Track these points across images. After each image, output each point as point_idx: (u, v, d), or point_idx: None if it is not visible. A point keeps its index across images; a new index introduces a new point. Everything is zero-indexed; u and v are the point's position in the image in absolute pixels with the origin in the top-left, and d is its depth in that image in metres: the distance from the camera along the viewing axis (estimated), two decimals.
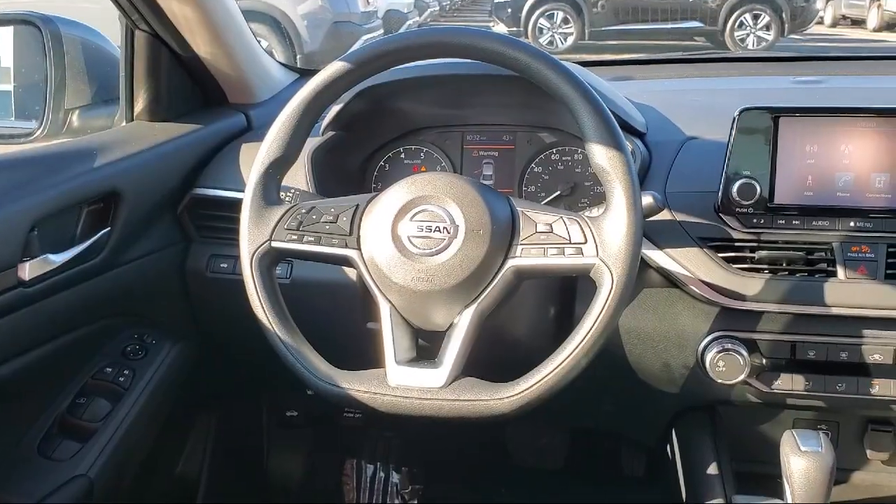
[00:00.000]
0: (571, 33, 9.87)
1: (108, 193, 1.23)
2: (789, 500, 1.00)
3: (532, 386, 0.94)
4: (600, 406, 1.40)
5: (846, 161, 1.09)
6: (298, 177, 1.25)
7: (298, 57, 6.70)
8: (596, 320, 0.93)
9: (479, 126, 1.38)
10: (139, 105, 1.42)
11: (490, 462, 2.00)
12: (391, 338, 0.98)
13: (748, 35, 9.65)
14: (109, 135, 1.38)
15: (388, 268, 0.97)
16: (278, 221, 1.01)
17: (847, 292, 1.09)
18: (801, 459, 0.97)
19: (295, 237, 1.01)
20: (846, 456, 1.31)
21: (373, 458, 1.97)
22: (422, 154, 1.39)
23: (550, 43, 9.80)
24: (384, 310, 0.99)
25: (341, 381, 0.98)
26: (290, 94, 1.06)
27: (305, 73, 1.71)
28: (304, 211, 1.01)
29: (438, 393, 0.95)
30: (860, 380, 1.14)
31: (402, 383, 0.96)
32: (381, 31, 7.83)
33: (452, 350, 0.96)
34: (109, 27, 1.51)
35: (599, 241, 0.94)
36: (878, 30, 13.46)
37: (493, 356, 1.02)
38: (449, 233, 0.97)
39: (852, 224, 1.10)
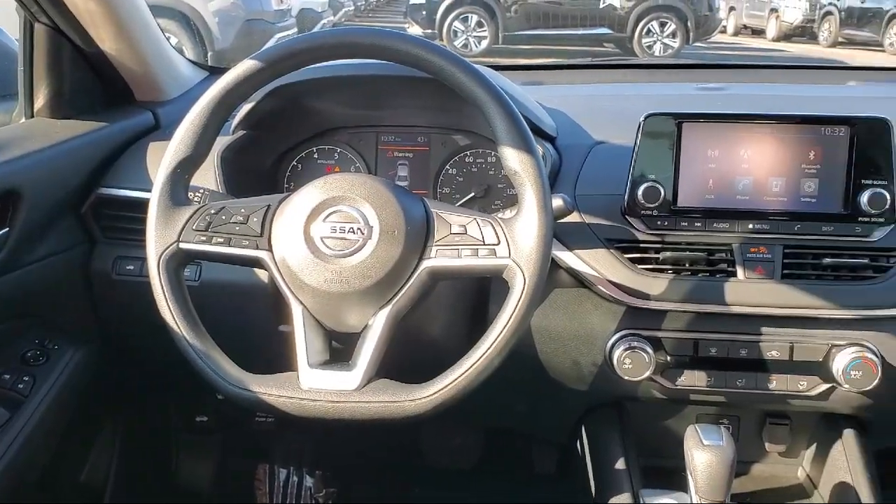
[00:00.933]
0: (485, 37, 9.96)
1: (5, 192, 1.17)
2: (693, 493, 1.04)
3: (446, 386, 0.94)
4: (513, 405, 1.42)
5: (745, 165, 1.14)
6: (208, 177, 1.22)
7: (209, 54, 6.54)
8: (508, 320, 0.94)
9: (394, 127, 1.38)
10: (39, 101, 1.36)
11: (404, 463, 2.00)
12: (304, 340, 0.97)
13: (655, 42, 9.94)
14: (7, 131, 1.32)
15: (300, 269, 0.96)
16: (186, 222, 0.99)
17: (746, 292, 1.14)
18: (703, 453, 1.01)
19: (204, 238, 0.99)
20: (746, 449, 1.36)
21: (286, 462, 1.95)
22: (336, 154, 1.38)
23: (465, 46, 9.86)
24: (296, 312, 0.98)
25: (252, 384, 0.96)
26: (199, 92, 1.03)
27: (216, 71, 1.68)
28: (213, 211, 0.99)
29: (352, 395, 0.95)
30: (759, 375, 1.19)
31: (315, 386, 0.95)
32: (295, 29, 7.72)
33: (366, 352, 0.96)
34: (5, 20, 1.44)
35: (512, 242, 0.95)
36: (777, 39, 14.09)
37: (408, 357, 1.02)
38: (363, 234, 0.96)
39: (751, 226, 1.14)
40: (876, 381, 1.13)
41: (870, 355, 1.12)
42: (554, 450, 1.88)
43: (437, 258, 0.97)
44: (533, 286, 0.94)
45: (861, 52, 12.83)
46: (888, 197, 1.10)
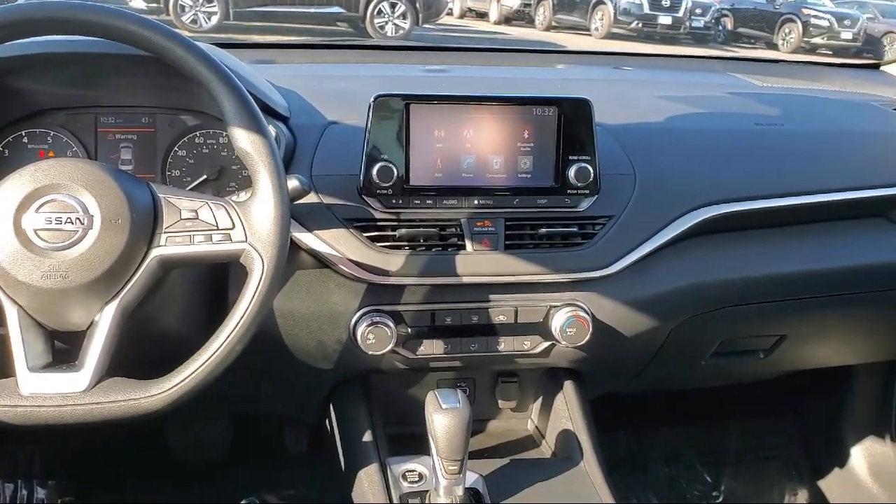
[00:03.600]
0: (215, 12, 9.56)
1: None
2: (434, 455, 1.10)
3: (185, 379, 0.91)
4: (259, 390, 1.41)
5: (469, 145, 1.21)
6: None
7: None
8: (248, 306, 0.93)
9: (115, 108, 1.29)
10: None
11: (149, 461, 1.91)
12: (21, 343, 0.89)
13: (387, 23, 10.13)
14: None
15: (11, 265, 0.88)
16: None
17: (474, 263, 1.21)
18: (442, 416, 1.06)
19: None
20: (482, 408, 1.46)
21: (12, 476, 1.77)
22: (49, 138, 1.27)
23: (194, 21, 9.39)
24: (10, 313, 0.90)
25: None
26: None
27: None
28: None
29: (81, 397, 0.89)
30: (489, 339, 1.28)
31: (38, 391, 0.88)
32: None
33: (94, 350, 0.90)
34: None
35: (248, 225, 0.94)
36: (499, 23, 14.98)
37: (143, 351, 0.97)
38: (82, 224, 0.90)
39: (476, 202, 1.22)
40: (588, 337, 1.25)
41: (582, 314, 1.25)
42: (304, 429, 1.89)
43: (168, 246, 0.93)
44: (272, 269, 0.94)
45: (572, 35, 14.01)
46: (591, 171, 1.23)
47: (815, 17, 15.45)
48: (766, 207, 1.37)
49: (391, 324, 1.20)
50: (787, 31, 15.53)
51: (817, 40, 15.40)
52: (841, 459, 2.12)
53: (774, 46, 15.33)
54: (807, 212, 1.42)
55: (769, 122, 1.56)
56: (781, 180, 1.40)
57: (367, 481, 1.23)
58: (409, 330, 1.24)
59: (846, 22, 15.62)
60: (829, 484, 2.15)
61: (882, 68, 2.05)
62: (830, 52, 14.98)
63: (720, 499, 2.17)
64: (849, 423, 2.10)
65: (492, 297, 1.25)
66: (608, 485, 1.26)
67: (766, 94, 1.80)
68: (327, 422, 1.40)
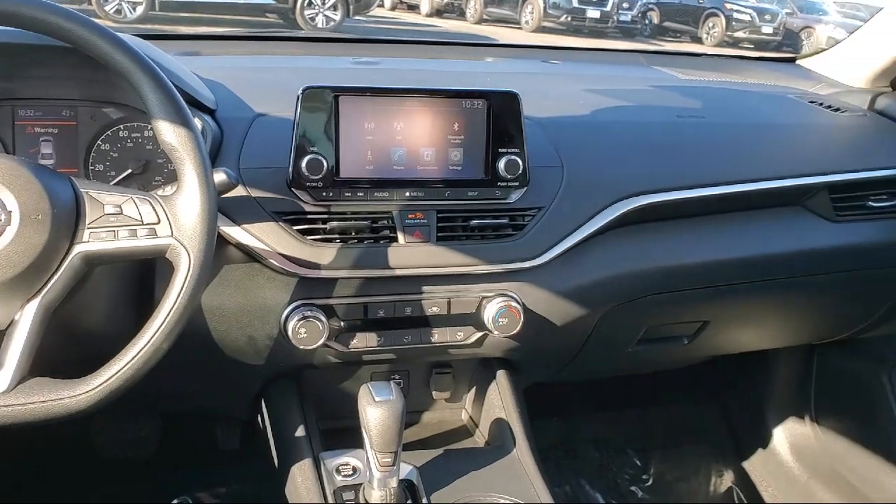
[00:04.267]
0: (141, 2, 9.30)
1: None
2: (368, 448, 1.10)
3: (111, 378, 0.90)
4: (189, 387, 1.38)
5: (399, 137, 1.21)
6: None
7: None
8: (175, 302, 0.92)
9: (34, 101, 1.25)
10: None
11: (78, 462, 1.86)
12: None
13: (317, 14, 10.02)
14: None
15: None
16: None
17: (407, 255, 1.22)
18: (375, 409, 1.06)
19: None
20: (416, 399, 1.47)
21: None
22: None
23: (118, 12, 9.12)
24: None
25: None
26: None
27: None
28: None
29: (2, 399, 0.86)
30: (423, 331, 1.28)
31: None
32: None
33: (15, 350, 0.87)
34: None
35: (173, 220, 0.92)
36: (430, 15, 14.98)
37: (67, 350, 0.95)
38: (0, 220, 0.87)
39: (408, 194, 1.22)
40: (520, 326, 1.27)
41: (514, 304, 1.26)
42: (237, 426, 1.87)
43: (91, 242, 0.91)
44: (199, 265, 0.92)
45: (503, 29, 14.10)
46: (520, 163, 1.24)
47: (737, 11, 15.91)
48: (689, 198, 1.41)
49: (323, 318, 1.19)
50: (710, 25, 15.94)
51: (740, 34, 15.87)
52: (763, 440, 2.20)
53: (699, 40, 15.73)
54: (727, 201, 1.46)
55: (691, 114, 1.60)
56: (703, 171, 1.44)
57: (300, 476, 1.22)
58: (342, 323, 1.24)
59: (767, 17, 16.13)
60: (753, 464, 2.23)
61: (798, 62, 2.12)
62: (752, 46, 15.44)
63: (649, 482, 2.23)
64: (770, 405, 2.18)
65: (424, 288, 1.26)
66: (540, 472, 1.28)
67: (689, 88, 1.85)
68: (259, 418, 1.39)
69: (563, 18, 14.40)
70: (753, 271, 1.51)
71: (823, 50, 2.07)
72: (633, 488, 2.21)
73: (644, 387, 2.23)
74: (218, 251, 0.97)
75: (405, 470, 1.20)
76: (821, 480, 2.06)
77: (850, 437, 2.02)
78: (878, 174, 1.56)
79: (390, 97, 1.20)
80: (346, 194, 1.20)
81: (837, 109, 1.72)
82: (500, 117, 1.23)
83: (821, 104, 1.75)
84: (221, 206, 1.10)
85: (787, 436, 2.16)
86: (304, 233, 1.19)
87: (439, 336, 1.29)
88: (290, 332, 1.19)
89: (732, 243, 1.48)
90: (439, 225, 1.24)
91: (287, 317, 1.20)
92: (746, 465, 2.24)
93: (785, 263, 1.53)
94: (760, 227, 1.50)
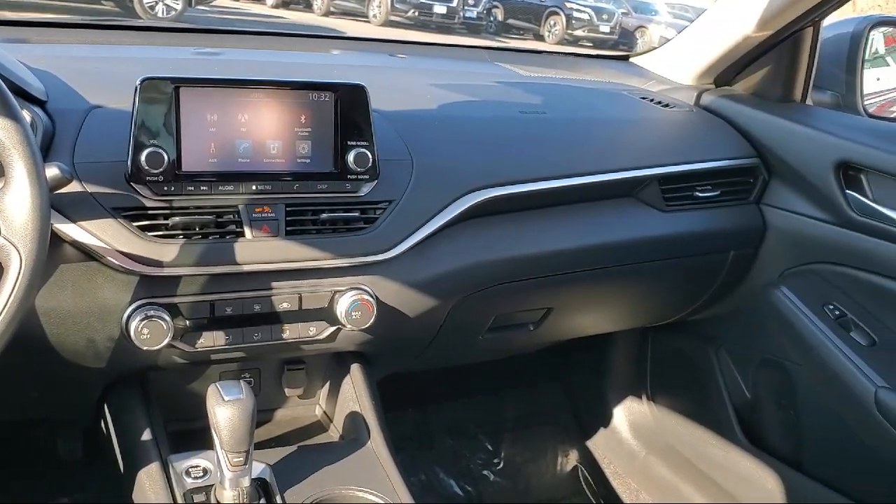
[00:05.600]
0: None
1: None
2: (218, 448, 1.07)
3: None
4: (25, 394, 1.30)
5: (244, 129, 1.18)
6: None
7: None
8: (5, 306, 0.86)
9: None
10: None
11: None
12: None
13: (157, 3, 9.61)
14: None
15: None
16: None
17: (254, 250, 1.19)
18: (224, 408, 1.04)
19: None
20: (268, 397, 1.45)
21: None
22: None
23: None
24: None
25: None
26: None
27: None
28: None
29: None
30: (273, 327, 1.26)
31: None
32: None
33: None
34: None
35: (2, 219, 0.87)
36: (276, 6, 14.68)
37: None
38: None
39: (254, 187, 1.19)
40: (373, 319, 1.28)
41: (366, 297, 1.27)
42: (79, 433, 1.77)
43: None
44: (31, 265, 0.87)
45: (350, 22, 14.03)
46: (370, 156, 1.25)
47: (577, 10, 16.61)
48: (532, 190, 1.46)
49: (167, 317, 1.15)
50: (552, 23, 16.55)
51: (579, 32, 16.57)
52: (605, 419, 2.32)
53: (542, 38, 16.29)
54: (567, 194, 1.53)
55: (533, 110, 1.66)
56: (544, 165, 1.50)
57: (147, 481, 1.18)
58: (188, 322, 1.20)
59: (604, 16, 16.94)
60: (596, 443, 2.35)
61: (631, 60, 2.24)
62: (591, 44, 16.16)
63: (500, 465, 2.30)
64: (610, 385, 2.30)
65: (274, 284, 1.24)
66: (395, 463, 1.29)
67: (530, 84, 1.92)
68: (103, 423, 1.33)
69: (410, 13, 14.52)
70: (592, 260, 1.58)
71: (655, 48, 2.20)
72: (485, 472, 2.28)
73: (495, 373, 2.30)
74: (52, 250, 0.92)
75: (258, 468, 1.19)
76: (657, 454, 2.20)
77: (683, 412, 2.16)
78: (702, 166, 1.68)
79: (234, 88, 1.17)
80: (189, 188, 1.16)
81: (667, 105, 1.84)
82: (347, 110, 1.23)
83: (652, 100, 1.86)
84: (55, 203, 1.04)
85: (626, 414, 2.29)
86: (144, 229, 1.14)
87: (291, 332, 1.28)
88: (132, 333, 1.14)
89: (572, 234, 1.55)
90: (288, 219, 1.22)
91: (129, 317, 1.15)
92: (590, 443, 2.36)
93: (621, 252, 1.62)
94: (598, 217, 1.58)
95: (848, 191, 1.61)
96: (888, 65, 2.66)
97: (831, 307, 1.65)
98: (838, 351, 1.59)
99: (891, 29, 2.24)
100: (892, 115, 2.33)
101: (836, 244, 1.64)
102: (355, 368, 1.43)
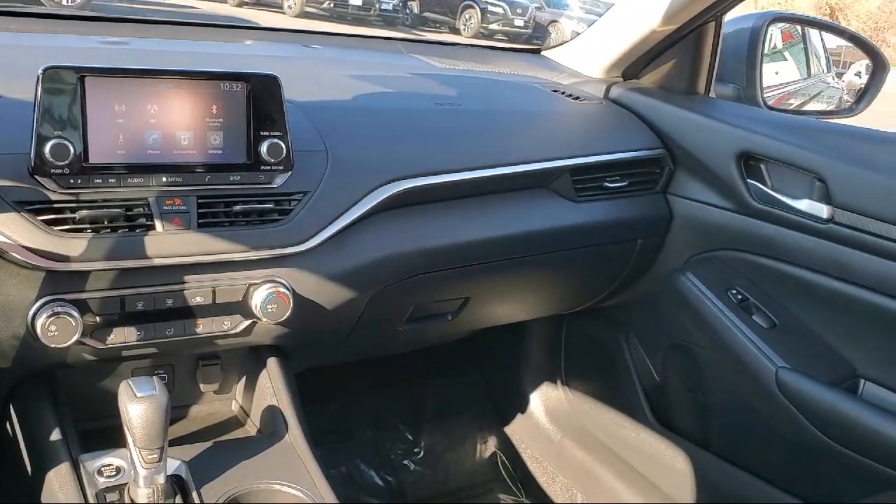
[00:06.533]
0: None
1: None
2: (132, 445, 1.05)
3: None
4: None
5: (153, 120, 1.16)
6: None
7: None
8: None
9: None
10: None
11: None
12: None
13: None
14: None
15: None
16: None
17: (166, 243, 1.17)
18: (137, 405, 1.02)
19: None
20: (183, 393, 1.43)
21: None
22: None
23: None
24: None
25: None
26: None
27: None
28: None
29: None
30: (186, 322, 1.24)
31: None
32: None
33: None
34: None
35: None
36: None
37: None
38: None
39: (165, 179, 1.17)
40: (289, 312, 1.27)
41: (282, 289, 1.26)
42: None
43: None
44: None
45: (264, 12, 13.79)
46: (283, 147, 1.24)
47: (491, 4, 16.75)
48: (447, 182, 1.48)
49: (76, 313, 1.12)
50: (467, 16, 16.65)
51: (494, 26, 16.71)
52: (521, 406, 2.36)
53: (457, 31, 16.36)
54: (483, 185, 1.55)
55: (448, 101, 1.68)
56: (459, 156, 1.52)
57: (57, 482, 1.14)
58: (97, 318, 1.17)
59: (518, 10, 17.14)
60: (514, 429, 2.39)
61: (543, 53, 2.28)
62: (506, 38, 16.33)
63: (420, 455, 2.32)
64: (526, 372, 2.35)
65: (187, 278, 1.22)
66: (314, 455, 1.29)
67: (445, 76, 1.94)
68: (8, 425, 1.28)
69: (325, 4, 14.38)
70: (508, 249, 1.61)
71: (567, 42, 2.24)
72: (405, 462, 2.29)
73: (413, 364, 2.31)
74: None
75: (173, 465, 1.17)
76: (573, 439, 2.25)
77: (596, 396, 2.23)
78: (611, 157, 1.73)
79: (142, 78, 1.14)
80: (97, 181, 1.13)
81: (577, 98, 1.88)
82: (260, 100, 1.22)
83: (563, 93, 1.90)
84: None
85: (541, 400, 2.34)
86: (50, 223, 1.10)
87: (205, 327, 1.26)
88: (38, 331, 1.11)
89: (488, 224, 1.57)
90: (200, 211, 1.20)
91: (35, 314, 1.11)
92: (507, 430, 2.40)
93: (535, 241, 1.65)
94: (512, 208, 1.61)
95: (749, 180, 1.68)
96: (786, 59, 2.79)
97: (734, 292, 1.72)
98: (741, 334, 1.65)
99: (788, 25, 2.36)
100: (789, 107, 2.45)
101: (738, 231, 1.72)
102: (272, 362, 1.42)
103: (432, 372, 2.41)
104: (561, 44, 2.25)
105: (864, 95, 2.09)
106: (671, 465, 1.97)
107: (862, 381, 1.58)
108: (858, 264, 1.51)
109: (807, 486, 1.70)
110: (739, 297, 1.71)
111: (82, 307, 1.15)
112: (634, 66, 1.97)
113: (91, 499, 1.12)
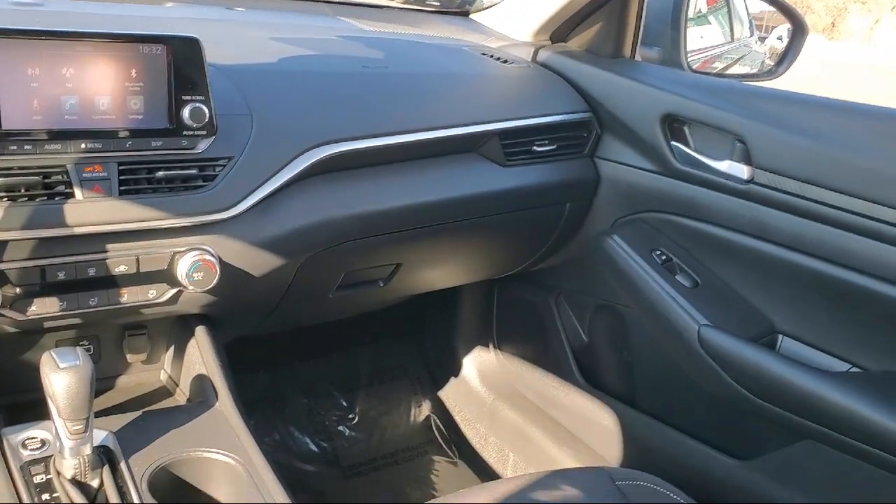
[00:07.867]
0: None
1: None
2: (56, 417, 1.03)
3: None
4: None
5: (70, 84, 1.12)
6: None
7: None
8: None
9: None
10: None
11: None
12: None
13: None
14: None
15: None
16: None
17: (86, 211, 1.14)
18: (60, 376, 1.00)
19: None
20: (109, 364, 1.40)
21: None
22: None
23: None
24: None
25: None
26: None
27: None
28: None
29: None
30: (110, 292, 1.22)
31: None
32: None
33: None
34: None
35: None
36: None
37: None
38: None
39: (83, 146, 1.14)
40: (216, 280, 1.26)
41: (208, 257, 1.24)
42: None
43: None
44: None
45: None
46: (206, 111, 1.21)
47: None
48: (376, 146, 1.47)
49: None
50: None
51: None
52: (455, 370, 2.39)
53: None
54: (412, 149, 1.55)
55: (375, 64, 1.66)
56: (387, 120, 1.51)
57: None
58: (17, 290, 1.14)
59: None
60: (447, 392, 2.42)
61: (472, 16, 2.27)
62: (439, 3, 16.15)
63: (355, 420, 2.34)
64: (459, 337, 2.37)
65: (109, 246, 1.19)
66: (245, 422, 1.28)
67: (372, 39, 1.91)
68: None
69: None
70: (438, 215, 1.62)
71: (495, 5, 2.24)
72: (340, 428, 2.30)
73: (347, 331, 2.31)
74: None
75: (99, 436, 1.15)
76: (505, 400, 2.29)
77: (527, 358, 2.27)
78: (540, 121, 1.74)
79: (56, 41, 1.10)
80: (12, 148, 1.09)
81: (506, 61, 1.88)
82: (181, 64, 1.19)
83: (491, 56, 1.90)
84: None
85: (474, 363, 2.37)
86: None
87: (129, 296, 1.24)
88: None
89: (418, 189, 1.57)
90: (121, 178, 1.17)
91: None
92: (441, 394, 2.43)
93: (465, 206, 1.66)
94: (441, 173, 1.61)
95: (673, 142, 1.71)
96: (710, 23, 2.84)
97: (658, 252, 1.76)
98: (665, 293, 1.70)
99: None
100: (713, 71, 2.50)
101: (662, 193, 1.75)
102: (200, 331, 1.40)
103: (367, 338, 2.41)
104: (489, 6, 2.24)
105: (784, 58, 2.14)
106: (600, 423, 2.03)
107: (780, 336, 1.64)
108: (776, 223, 1.56)
109: (729, 440, 1.77)
110: (663, 257, 1.76)
111: (1, 278, 1.11)
112: (562, 29, 1.98)
113: (16, 472, 1.09)
